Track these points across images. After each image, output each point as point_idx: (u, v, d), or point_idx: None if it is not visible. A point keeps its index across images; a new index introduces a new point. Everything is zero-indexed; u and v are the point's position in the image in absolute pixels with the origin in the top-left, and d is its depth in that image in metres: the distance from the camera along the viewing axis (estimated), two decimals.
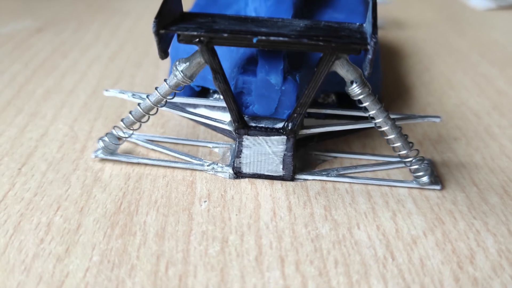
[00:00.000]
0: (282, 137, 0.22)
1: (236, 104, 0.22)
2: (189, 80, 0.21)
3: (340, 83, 0.21)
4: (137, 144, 0.25)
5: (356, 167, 0.24)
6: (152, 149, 0.25)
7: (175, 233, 0.20)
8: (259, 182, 0.23)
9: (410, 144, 0.22)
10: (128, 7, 0.50)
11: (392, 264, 0.19)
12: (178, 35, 0.20)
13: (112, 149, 0.24)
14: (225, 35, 0.19)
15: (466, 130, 0.28)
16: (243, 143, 0.22)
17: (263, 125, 0.22)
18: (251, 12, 0.27)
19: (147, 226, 0.20)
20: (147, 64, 0.36)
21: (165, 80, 0.21)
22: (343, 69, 0.20)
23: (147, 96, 0.22)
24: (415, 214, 0.21)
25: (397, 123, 0.22)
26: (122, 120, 0.23)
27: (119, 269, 0.18)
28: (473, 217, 0.21)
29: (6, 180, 0.22)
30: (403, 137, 0.22)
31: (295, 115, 0.21)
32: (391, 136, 0.22)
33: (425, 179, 0.22)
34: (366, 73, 0.19)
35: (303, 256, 0.19)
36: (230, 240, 0.20)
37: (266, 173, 0.23)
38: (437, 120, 0.23)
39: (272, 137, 0.22)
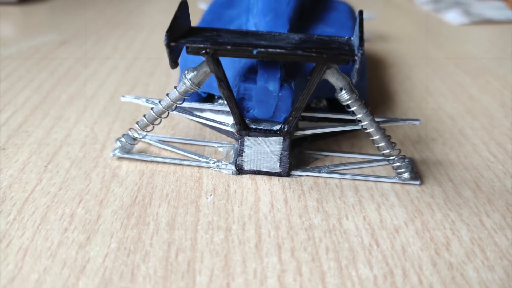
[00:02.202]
0: (279, 137, 0.22)
1: (238, 109, 0.22)
2: (197, 87, 0.21)
3: (330, 90, 0.21)
4: (150, 144, 0.25)
5: (345, 164, 0.24)
6: (164, 149, 0.25)
7: (184, 223, 0.20)
8: (258, 178, 0.23)
9: (393, 144, 0.22)
10: (142, 23, 0.50)
11: (377, 251, 0.19)
12: (187, 47, 0.20)
13: (128, 149, 0.24)
14: (229, 47, 0.19)
15: (443, 131, 0.28)
16: (244, 143, 0.22)
17: (262, 127, 0.22)
18: (251, 27, 0.27)
19: (159, 217, 0.20)
20: (159, 73, 0.36)
21: (175, 87, 0.21)
22: (333, 78, 0.20)
23: (159, 102, 0.22)
24: (397, 206, 0.21)
25: (381, 125, 0.22)
26: (137, 123, 0.23)
27: (134, 255, 0.18)
28: (449, 209, 0.21)
29: (34, 176, 0.22)
30: (387, 137, 0.22)
31: (291, 118, 0.21)
32: (376, 137, 0.22)
33: (406, 175, 0.22)
34: (353, 81, 0.19)
35: (298, 244, 0.19)
36: (233, 229, 0.20)
37: (265, 170, 0.23)
38: (417, 122, 0.23)
39: (270, 138, 0.22)
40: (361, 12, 0.21)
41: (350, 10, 0.33)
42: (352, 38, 0.21)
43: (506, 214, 0.21)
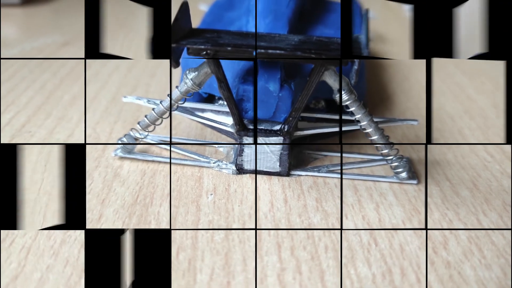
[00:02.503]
0: (279, 137, 0.22)
1: (238, 109, 0.22)
2: (198, 88, 0.21)
3: (329, 91, 0.21)
4: (151, 144, 0.25)
5: (344, 164, 0.24)
6: (165, 149, 0.25)
7: (185, 222, 0.20)
8: (258, 177, 0.23)
9: (391, 144, 0.22)
10: (143, 24, 0.50)
11: (375, 249, 0.19)
12: (188, 48, 0.20)
13: (129, 149, 0.24)
14: (229, 48, 0.19)
15: (443, 131, 0.28)
16: (244, 143, 0.22)
17: (262, 127, 0.22)
18: (251, 28, 0.27)
19: (160, 216, 0.20)
20: (161, 74, 0.36)
21: (176, 87, 0.21)
22: (331, 79, 0.20)
23: (161, 102, 0.22)
24: (395, 205, 0.21)
25: (379, 125, 0.22)
26: (138, 123, 0.23)
27: None
28: (446, 208, 0.21)
29: (36, 176, 0.22)
30: (385, 138, 0.22)
31: (291, 118, 0.21)
32: (375, 137, 0.22)
33: (404, 174, 0.22)
34: (352, 82, 0.19)
35: (297, 243, 0.19)
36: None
37: (265, 170, 0.23)
38: (415, 123, 0.23)
39: (270, 138, 0.22)
40: (367, 11, 0.20)
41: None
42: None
43: (503, 213, 0.21)
